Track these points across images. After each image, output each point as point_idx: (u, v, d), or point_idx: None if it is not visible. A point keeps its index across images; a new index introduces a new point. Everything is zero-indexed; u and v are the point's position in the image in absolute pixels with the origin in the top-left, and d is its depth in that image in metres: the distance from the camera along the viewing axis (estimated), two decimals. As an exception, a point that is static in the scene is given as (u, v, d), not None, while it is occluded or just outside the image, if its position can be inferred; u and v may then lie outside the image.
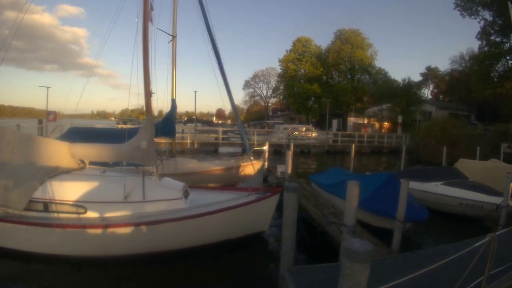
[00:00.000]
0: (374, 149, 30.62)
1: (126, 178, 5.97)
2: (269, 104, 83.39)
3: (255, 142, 23.60)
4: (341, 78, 59.09)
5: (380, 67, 58.14)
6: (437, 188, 9.35)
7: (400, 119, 35.23)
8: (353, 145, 16.37)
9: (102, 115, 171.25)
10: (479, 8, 32.34)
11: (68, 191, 5.75)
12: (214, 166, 11.60)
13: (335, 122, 45.94)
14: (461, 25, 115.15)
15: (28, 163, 6.02)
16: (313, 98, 56.74)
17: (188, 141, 25.11)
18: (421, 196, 8.89)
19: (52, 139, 7.68)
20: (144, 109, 6.99)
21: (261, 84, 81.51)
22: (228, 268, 5.73)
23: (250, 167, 11.76)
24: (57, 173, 6.16)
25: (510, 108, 31.41)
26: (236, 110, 13.61)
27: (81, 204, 5.62)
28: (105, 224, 5.37)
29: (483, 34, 32.80)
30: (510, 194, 7.33)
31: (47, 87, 23.74)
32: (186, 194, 6.39)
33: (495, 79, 34.53)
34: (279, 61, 61.93)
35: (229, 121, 78.13)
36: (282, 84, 65.93)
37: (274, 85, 75.45)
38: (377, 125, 44.56)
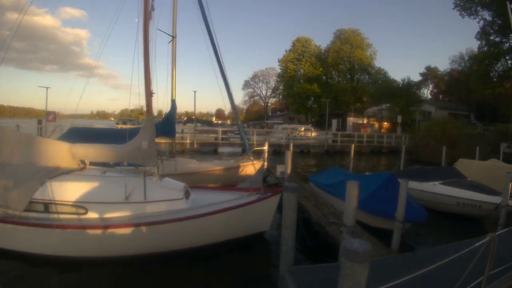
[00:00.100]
0: (374, 149, 30.63)
1: (127, 178, 5.96)
2: (269, 104, 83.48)
3: (255, 142, 23.61)
4: (340, 78, 59.08)
5: (379, 67, 58.20)
6: (435, 187, 9.37)
7: (399, 119, 35.19)
8: (353, 145, 16.39)
9: (102, 115, 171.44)
10: (478, 8, 32.37)
11: (69, 191, 5.73)
12: (214, 166, 11.60)
13: (334, 122, 45.95)
14: (460, 25, 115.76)
15: (28, 164, 6.00)
16: (312, 98, 56.72)
17: (188, 141, 25.11)
18: (419, 195, 8.91)
19: (52, 139, 7.67)
20: (144, 109, 6.99)
21: (261, 84, 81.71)
22: (229, 268, 5.73)
23: (250, 167, 11.77)
24: (58, 173, 6.13)
25: (509, 108, 31.29)
26: (236, 110, 13.61)
27: (81, 205, 5.60)
28: (106, 224, 5.36)
29: (483, 34, 32.81)
30: (510, 193, 7.34)
31: (47, 88, 23.74)
32: (187, 195, 6.39)
33: (495, 79, 34.55)
34: (279, 61, 61.98)
35: (228, 121, 78.13)
36: (281, 84, 65.92)
37: (273, 85, 75.65)
38: (376, 125, 44.53)
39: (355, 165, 16.15)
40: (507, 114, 29.39)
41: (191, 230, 5.75)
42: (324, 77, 58.74)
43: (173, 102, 11.63)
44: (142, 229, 5.40)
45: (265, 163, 13.06)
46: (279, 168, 12.41)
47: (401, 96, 39.46)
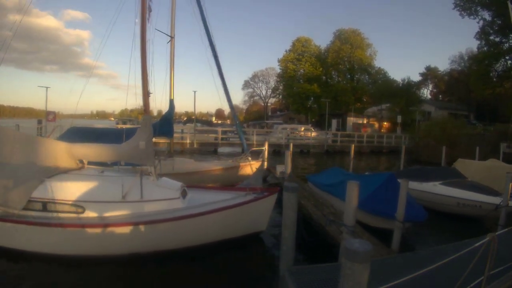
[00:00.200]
0: (374, 149, 30.63)
1: (124, 178, 5.98)
2: (269, 104, 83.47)
3: (255, 142, 23.61)
4: (340, 78, 59.11)
5: (379, 67, 58.26)
6: (435, 188, 9.35)
7: (399, 119, 35.24)
8: (353, 145, 16.39)
9: (102, 115, 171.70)
10: (478, 8, 32.36)
11: (67, 190, 5.76)
12: (212, 166, 11.61)
13: (334, 122, 46.01)
14: (460, 25, 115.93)
15: (27, 163, 6.03)
16: (312, 98, 56.78)
17: (188, 141, 25.12)
18: (420, 196, 8.89)
19: (51, 139, 7.69)
20: (143, 109, 7.00)
21: (261, 84, 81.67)
22: (228, 268, 5.72)
23: (249, 167, 11.77)
24: (56, 173, 6.16)
25: (509, 108, 31.34)
26: (234, 110, 13.59)
27: (79, 204, 5.63)
28: (103, 223, 5.38)
29: (482, 34, 32.81)
30: (510, 194, 7.33)
31: (46, 87, 23.80)
32: (184, 194, 6.41)
33: (494, 79, 34.55)
34: (279, 61, 62.02)
35: (228, 121, 78.23)
36: (281, 84, 65.95)
37: (273, 85, 75.66)
38: (376, 125, 44.58)
39: (355, 165, 16.13)
40: (507, 114, 29.39)
41: (188, 229, 5.76)
42: (324, 77, 58.78)
43: (171, 102, 11.65)
44: (138, 228, 5.41)
45: (265, 163, 13.07)
46: (279, 168, 12.41)
47: (401, 96, 39.51)
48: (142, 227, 5.42)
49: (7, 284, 4.86)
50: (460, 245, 4.57)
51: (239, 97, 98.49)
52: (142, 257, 5.52)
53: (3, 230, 5.44)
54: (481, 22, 32.56)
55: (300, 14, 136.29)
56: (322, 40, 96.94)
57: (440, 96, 62.87)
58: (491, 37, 32.35)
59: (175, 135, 14.65)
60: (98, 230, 5.32)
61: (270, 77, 77.64)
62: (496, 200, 7.81)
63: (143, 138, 6.38)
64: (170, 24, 11.85)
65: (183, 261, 5.71)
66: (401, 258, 4.87)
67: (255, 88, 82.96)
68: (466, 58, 49.58)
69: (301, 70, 58.78)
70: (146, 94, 6.72)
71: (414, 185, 9.20)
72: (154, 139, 6.98)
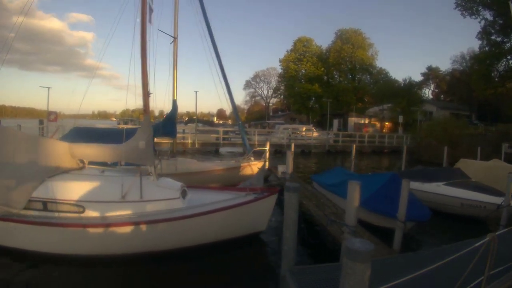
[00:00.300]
0: (375, 149, 30.60)
1: (124, 177, 5.99)
2: (270, 104, 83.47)
3: (256, 142, 23.61)
4: (342, 78, 59.05)
5: (381, 67, 58.25)
6: (438, 188, 9.31)
7: (401, 119, 35.17)
8: (354, 145, 16.34)
9: (103, 115, 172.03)
10: (479, 8, 32.33)
11: (67, 190, 5.79)
12: (215, 166, 11.62)
13: (336, 122, 45.96)
14: (461, 25, 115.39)
15: (28, 163, 6.06)
16: (314, 98, 56.73)
17: (189, 141, 25.11)
18: (423, 196, 8.83)
19: (52, 139, 7.71)
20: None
21: (262, 84, 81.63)
22: (229, 268, 5.72)
23: (251, 168, 11.78)
24: (57, 172, 6.19)
25: (511, 108, 31.38)
26: (237, 110, 13.62)
27: (80, 204, 5.65)
28: (103, 223, 5.41)
29: (484, 34, 32.76)
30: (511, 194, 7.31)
31: (48, 88, 23.86)
32: (184, 194, 6.41)
33: (496, 79, 34.48)
34: (280, 61, 62.05)
35: (230, 121, 78.16)
36: (282, 84, 65.96)
37: (274, 85, 75.60)
38: (378, 125, 44.52)
39: (357, 165, 16.12)
40: (509, 114, 29.44)
41: (188, 229, 5.77)
42: (325, 77, 58.75)
43: (174, 102, 11.67)
44: (138, 228, 5.43)
45: (267, 163, 13.07)
46: (281, 168, 12.42)
47: (403, 96, 39.45)
48: (142, 227, 5.44)
49: (8, 284, 4.88)
50: (460, 245, 4.57)
51: (240, 97, 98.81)
52: (142, 256, 5.54)
53: (4, 230, 5.48)
54: (483, 21, 32.57)
55: (301, 14, 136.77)
56: (322, 40, 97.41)
57: (442, 96, 62.71)
58: (493, 37, 32.32)
59: (176, 135, 14.68)
60: (98, 230, 5.34)
61: (272, 77, 77.70)
62: (499, 200, 7.79)
63: (143, 138, 6.39)
64: (173, 24, 11.89)
65: (183, 261, 5.72)
66: (402, 258, 4.87)
67: (257, 88, 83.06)
68: (467, 58, 49.40)
69: (303, 70, 58.78)
70: (146, 94, 6.73)
71: (417, 185, 9.19)
72: (157, 139, 6.99)
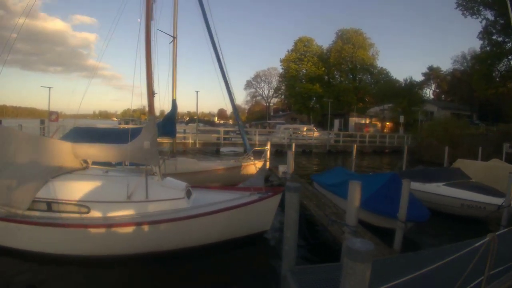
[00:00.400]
0: (376, 149, 30.58)
1: (129, 178, 6.00)
2: (271, 104, 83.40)
3: (257, 142, 23.63)
4: (342, 78, 59.05)
5: (381, 67, 58.29)
6: (439, 189, 9.30)
7: (402, 119, 35.14)
8: (355, 145, 16.35)
9: (104, 115, 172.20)
10: (480, 8, 32.32)
11: (71, 191, 5.78)
12: (215, 166, 11.63)
13: (336, 122, 45.96)
14: (462, 24, 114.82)
15: (31, 163, 6.06)
16: (314, 98, 56.75)
17: (190, 141, 25.10)
18: (423, 197, 8.84)
19: (55, 139, 7.72)
20: (146, 109, 7.03)
21: (263, 84, 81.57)
22: (230, 267, 5.75)
23: (251, 167, 11.79)
24: (60, 173, 6.18)
25: (512, 108, 31.31)
26: (237, 110, 13.63)
27: (84, 204, 5.65)
28: (108, 223, 5.41)
29: (485, 34, 32.76)
30: None
31: (49, 88, 23.89)
32: (188, 194, 6.44)
33: (497, 79, 34.47)
34: (281, 61, 62.04)
35: (230, 121, 78.12)
36: (283, 84, 65.96)
37: (275, 85, 75.58)
38: (379, 125, 44.48)
39: (357, 165, 16.12)
40: (510, 114, 29.35)
41: (192, 229, 5.78)
42: (326, 77, 58.76)
43: (174, 102, 11.68)
44: (143, 228, 5.44)
45: (267, 163, 13.09)
46: (281, 168, 12.43)
47: (404, 96, 39.43)
48: (147, 227, 5.44)
49: (12, 284, 4.91)
50: (460, 245, 4.58)
51: (241, 97, 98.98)
52: (147, 257, 5.55)
53: (7, 230, 5.47)
54: (484, 21, 32.59)
55: (302, 14, 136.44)
56: (323, 40, 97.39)
57: (443, 96, 62.58)
58: (494, 37, 32.32)
59: (177, 135, 14.70)
60: (103, 230, 5.34)
61: (272, 77, 77.65)
62: (499, 200, 7.78)
63: (147, 138, 6.40)
64: (173, 24, 11.89)
65: (187, 261, 5.74)
66: (402, 258, 4.89)
67: (257, 88, 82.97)
68: (468, 58, 49.33)
69: (303, 70, 58.79)
70: (150, 94, 6.74)
71: (418, 186, 9.19)
72: (157, 139, 7.01)
